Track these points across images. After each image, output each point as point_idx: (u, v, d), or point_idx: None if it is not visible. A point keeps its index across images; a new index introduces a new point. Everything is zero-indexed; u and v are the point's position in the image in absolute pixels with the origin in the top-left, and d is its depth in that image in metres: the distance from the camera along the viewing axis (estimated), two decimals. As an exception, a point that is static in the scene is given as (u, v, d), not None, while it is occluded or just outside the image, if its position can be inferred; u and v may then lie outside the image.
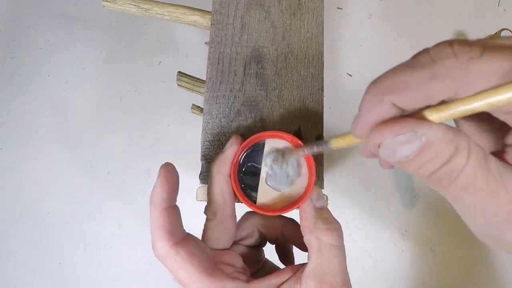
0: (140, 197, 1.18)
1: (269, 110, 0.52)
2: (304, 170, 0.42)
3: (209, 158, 0.51)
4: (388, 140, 0.22)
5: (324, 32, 0.56)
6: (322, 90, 0.53)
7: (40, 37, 1.35)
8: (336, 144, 0.34)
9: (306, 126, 0.51)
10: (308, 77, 0.53)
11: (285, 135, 0.43)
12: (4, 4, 1.39)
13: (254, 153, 0.43)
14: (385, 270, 1.11)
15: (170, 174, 0.36)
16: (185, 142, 1.22)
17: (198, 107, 1.12)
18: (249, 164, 0.42)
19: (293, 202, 0.41)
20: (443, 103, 0.22)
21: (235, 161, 0.41)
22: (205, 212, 0.41)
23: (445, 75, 0.20)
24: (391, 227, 1.14)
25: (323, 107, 0.52)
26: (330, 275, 0.37)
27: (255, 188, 0.42)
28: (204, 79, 0.90)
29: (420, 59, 0.22)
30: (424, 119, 0.22)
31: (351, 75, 1.28)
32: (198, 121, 1.19)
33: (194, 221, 1.12)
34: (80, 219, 1.17)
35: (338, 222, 0.40)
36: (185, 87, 0.89)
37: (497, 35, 1.07)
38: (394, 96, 0.22)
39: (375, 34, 1.32)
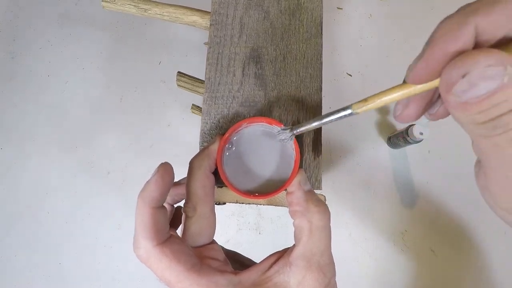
0: (140, 197, 1.18)
1: (268, 111, 0.52)
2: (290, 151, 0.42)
3: (208, 158, 0.51)
4: (477, 71, 0.19)
5: (324, 32, 0.56)
6: (321, 90, 0.53)
7: (40, 37, 1.35)
8: (361, 108, 0.31)
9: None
10: (307, 77, 0.53)
11: (265, 119, 0.43)
12: (4, 4, 1.39)
13: (238, 142, 0.43)
14: (385, 270, 1.11)
15: (167, 174, 0.34)
16: (185, 142, 1.22)
17: (198, 107, 1.12)
18: (234, 154, 0.43)
19: (280, 186, 0.40)
20: None
21: (220, 153, 0.41)
22: (184, 210, 0.39)
23: None
24: (391, 227, 1.14)
25: (321, 107, 0.52)
26: (318, 255, 0.35)
27: (241, 176, 0.42)
28: (203, 79, 0.90)
29: None
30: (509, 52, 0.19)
31: (351, 75, 1.28)
32: (198, 121, 1.19)
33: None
34: (80, 219, 1.17)
35: (325, 203, 0.39)
36: (185, 87, 0.89)
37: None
38: (481, 17, 0.20)
39: (375, 34, 1.32)
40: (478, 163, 0.24)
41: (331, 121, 0.35)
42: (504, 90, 0.18)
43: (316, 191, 0.50)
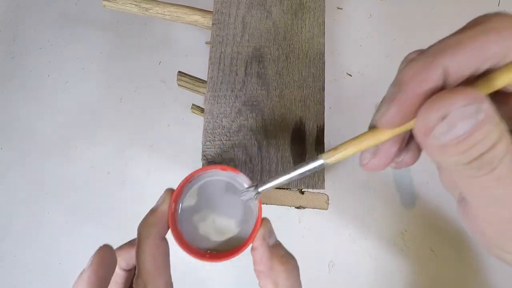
0: (140, 197, 1.17)
1: (270, 110, 0.52)
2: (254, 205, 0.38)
3: (210, 158, 0.51)
4: (456, 112, 0.18)
5: (324, 32, 0.56)
6: (323, 90, 0.53)
7: (40, 37, 1.35)
8: (333, 158, 0.30)
9: (308, 126, 0.51)
10: (310, 77, 0.53)
11: (219, 166, 0.37)
12: (4, 4, 1.39)
13: (191, 195, 0.38)
14: (385, 270, 1.11)
15: (101, 266, 0.31)
16: (185, 142, 1.22)
17: (198, 107, 1.12)
18: (189, 209, 0.37)
19: (242, 243, 0.36)
20: (483, 76, 0.20)
21: (172, 211, 0.36)
22: (134, 285, 0.33)
23: (502, 27, 0.19)
24: (391, 227, 1.14)
25: (324, 107, 0.53)
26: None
27: (199, 234, 0.37)
28: (204, 79, 0.90)
29: (467, 25, 0.21)
30: (479, 89, 0.20)
31: (351, 75, 1.28)
32: (198, 121, 1.19)
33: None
34: (80, 219, 1.17)
35: (293, 257, 0.37)
36: (185, 87, 0.89)
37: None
38: (449, 57, 0.20)
39: (375, 34, 1.32)
40: (462, 203, 0.24)
41: (301, 174, 0.32)
42: (481, 127, 0.18)
43: (319, 191, 0.50)
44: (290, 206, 0.49)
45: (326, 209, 0.48)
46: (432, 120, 0.19)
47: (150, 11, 0.68)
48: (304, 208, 0.50)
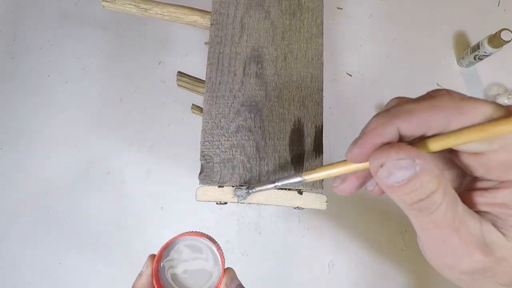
0: (140, 197, 1.18)
1: (269, 111, 0.52)
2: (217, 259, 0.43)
3: (209, 158, 0.51)
4: (390, 162, 0.24)
5: (324, 32, 0.56)
6: (322, 90, 0.53)
7: (40, 37, 1.35)
8: (310, 177, 0.36)
9: (306, 126, 0.51)
10: (308, 77, 0.53)
11: (192, 233, 0.43)
12: (4, 4, 1.39)
13: (170, 258, 0.44)
14: (385, 270, 1.11)
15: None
16: (185, 142, 1.22)
17: (198, 107, 1.12)
18: (168, 268, 0.44)
19: None
20: (434, 136, 0.25)
21: (155, 271, 0.43)
22: None
23: (442, 106, 0.24)
24: (391, 227, 1.14)
25: (322, 107, 0.52)
26: None
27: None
28: (204, 79, 0.90)
29: (424, 96, 0.26)
30: (420, 149, 0.25)
31: (351, 75, 1.28)
32: (198, 121, 1.19)
33: (190, 220, 1.12)
34: (80, 219, 1.17)
35: None
36: (185, 87, 0.89)
37: (497, 35, 1.07)
38: (400, 121, 0.25)
39: (375, 34, 1.32)
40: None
41: (284, 185, 0.41)
42: (418, 177, 0.23)
43: (318, 191, 0.50)
44: (290, 206, 0.49)
45: (325, 209, 0.48)
46: (375, 165, 0.24)
47: (149, 11, 0.68)
48: (302, 208, 0.50)
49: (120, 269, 1.13)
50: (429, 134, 0.25)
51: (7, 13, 1.38)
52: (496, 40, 1.08)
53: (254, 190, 0.45)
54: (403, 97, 0.28)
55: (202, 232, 0.44)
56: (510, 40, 1.06)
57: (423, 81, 1.26)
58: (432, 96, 0.25)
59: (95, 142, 1.23)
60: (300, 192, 0.49)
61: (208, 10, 0.64)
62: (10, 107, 1.27)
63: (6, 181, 1.20)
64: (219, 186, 0.50)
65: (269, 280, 1.10)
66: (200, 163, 0.51)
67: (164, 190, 1.19)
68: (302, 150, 0.50)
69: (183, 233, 0.44)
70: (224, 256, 0.42)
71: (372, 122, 0.26)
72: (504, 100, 1.16)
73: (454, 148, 0.26)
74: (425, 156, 0.23)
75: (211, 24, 0.57)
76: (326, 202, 0.50)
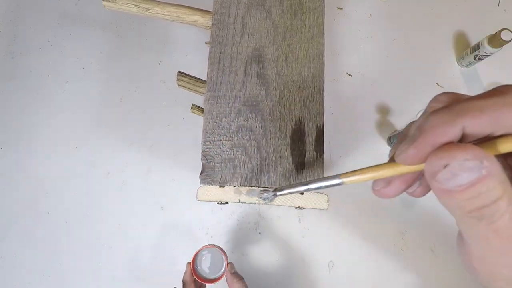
0: (140, 197, 1.18)
1: (270, 110, 0.52)
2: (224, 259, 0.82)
3: (210, 158, 0.51)
4: (456, 163, 0.22)
5: (324, 32, 0.56)
6: (323, 90, 0.53)
7: (40, 37, 1.35)
8: (350, 179, 0.33)
9: (307, 126, 0.51)
10: (309, 77, 0.53)
11: (209, 246, 0.84)
12: (4, 4, 1.39)
13: (199, 260, 0.83)
14: (385, 270, 1.11)
15: None
16: (185, 142, 1.22)
17: (198, 107, 1.12)
18: (198, 264, 0.83)
19: (220, 275, 0.82)
20: (500, 137, 0.23)
21: (192, 268, 0.81)
22: None
23: None
24: (391, 227, 1.14)
25: (324, 107, 0.52)
26: None
27: (203, 274, 0.82)
28: (204, 79, 0.90)
29: (490, 92, 0.24)
30: (487, 150, 0.23)
31: (351, 75, 1.28)
32: (198, 121, 1.19)
33: (190, 220, 1.12)
34: (80, 219, 1.17)
35: (242, 278, 0.80)
36: (185, 87, 0.89)
37: (497, 35, 1.07)
38: (469, 119, 0.23)
39: (375, 34, 1.32)
40: (460, 238, 0.27)
41: (318, 187, 0.37)
42: (484, 181, 0.21)
43: (324, 191, 0.50)
44: (290, 206, 0.49)
45: (326, 209, 0.48)
46: (436, 166, 0.22)
47: (150, 11, 0.68)
48: (303, 208, 0.50)
49: (120, 269, 1.13)
50: (496, 134, 0.23)
51: (7, 13, 1.38)
52: (496, 40, 1.08)
53: (282, 193, 0.42)
54: (454, 93, 0.26)
55: (214, 244, 0.83)
56: (510, 40, 1.06)
57: (423, 81, 1.26)
58: (502, 92, 0.23)
59: (95, 142, 1.23)
60: (301, 192, 0.49)
61: (209, 10, 0.64)
62: (10, 107, 1.27)
63: (6, 181, 1.20)
64: (220, 186, 0.50)
65: (269, 280, 1.10)
66: (201, 163, 0.51)
67: (164, 190, 1.19)
68: (303, 149, 0.50)
69: (203, 246, 0.83)
70: (227, 256, 0.82)
71: (432, 119, 0.24)
72: (504, 100, 1.16)
73: None
74: (493, 159, 0.21)
75: (212, 24, 0.57)
76: (327, 201, 0.50)
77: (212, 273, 0.82)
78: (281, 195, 0.43)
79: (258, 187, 0.50)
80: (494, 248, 0.23)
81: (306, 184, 0.38)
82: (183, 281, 0.81)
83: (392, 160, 0.29)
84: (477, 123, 0.22)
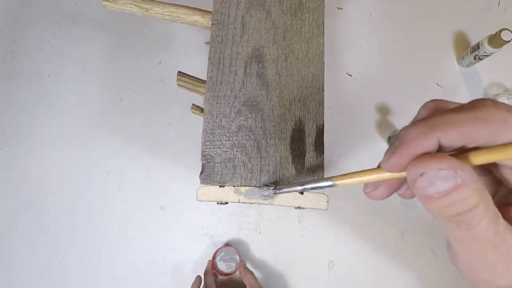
0: (140, 197, 1.18)
1: (270, 110, 0.52)
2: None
3: (210, 158, 0.51)
4: (431, 172, 0.23)
5: (324, 32, 0.56)
6: (323, 90, 0.53)
7: (40, 37, 1.35)
8: (342, 182, 0.36)
9: (307, 125, 0.51)
10: (309, 77, 0.53)
11: (229, 246, 1.10)
12: (4, 4, 1.39)
13: (217, 259, 1.07)
14: (385, 270, 1.11)
15: None
16: (185, 142, 1.22)
17: (198, 107, 1.12)
18: (217, 262, 1.07)
19: (235, 270, 1.05)
20: (475, 149, 0.25)
21: (212, 265, 1.05)
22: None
23: (488, 118, 0.24)
24: (391, 227, 1.14)
25: (324, 107, 0.52)
26: None
27: (221, 269, 1.05)
28: (204, 79, 0.90)
29: (465, 106, 0.25)
30: (461, 161, 0.24)
31: (351, 75, 1.28)
32: (198, 121, 1.19)
33: (190, 220, 1.12)
34: (80, 219, 1.17)
35: (252, 273, 0.99)
36: (185, 87, 0.89)
37: (497, 35, 1.07)
38: (442, 133, 0.24)
39: (375, 34, 1.32)
40: (448, 241, 0.29)
41: (312, 188, 0.41)
42: (459, 190, 0.22)
43: (319, 191, 0.50)
44: (290, 206, 0.49)
45: (326, 209, 0.48)
46: (414, 174, 0.24)
47: (150, 11, 0.68)
48: (303, 208, 0.50)
49: (120, 269, 1.13)
50: (470, 146, 0.25)
51: (7, 13, 1.38)
52: (496, 40, 1.08)
53: (281, 191, 0.45)
54: (441, 101, 0.28)
55: (229, 245, 1.10)
56: (510, 40, 1.06)
57: (423, 81, 1.26)
58: (476, 106, 0.25)
59: (95, 142, 1.23)
60: (301, 192, 0.49)
61: (209, 10, 0.64)
62: (10, 107, 1.27)
63: (6, 181, 1.20)
64: (220, 186, 0.50)
65: (269, 280, 1.10)
66: (200, 163, 0.51)
67: (164, 190, 1.19)
68: (303, 149, 0.50)
69: (221, 246, 1.09)
70: (240, 254, 1.08)
71: (411, 131, 0.26)
72: (504, 100, 1.16)
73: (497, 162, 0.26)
74: (467, 168, 0.23)
75: (212, 24, 0.57)
76: (327, 202, 0.50)
77: (228, 268, 1.07)
78: (280, 193, 0.45)
79: (258, 187, 0.50)
80: (474, 253, 0.24)
81: (303, 184, 0.42)
82: (204, 272, 1.00)
83: (378, 166, 0.30)
84: (449, 137, 0.24)
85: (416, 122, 0.26)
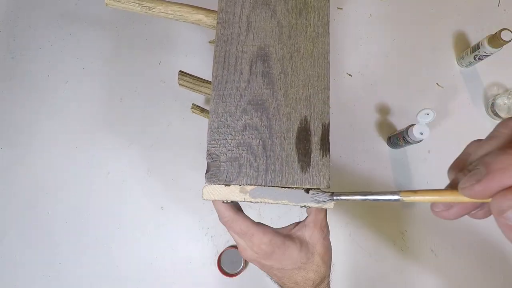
0: (140, 197, 1.17)
1: (275, 109, 0.52)
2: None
3: (215, 156, 0.51)
4: None
5: (329, 32, 0.56)
6: (328, 89, 0.53)
7: (40, 37, 1.35)
8: (410, 198, 0.35)
9: (313, 125, 0.51)
10: (314, 76, 0.53)
11: (230, 247, 1.11)
12: (4, 4, 1.39)
13: (222, 258, 1.09)
14: (385, 270, 1.11)
15: None
16: (185, 142, 1.22)
17: (198, 106, 1.12)
18: (222, 261, 1.08)
19: (238, 271, 1.07)
20: None
21: (218, 264, 1.07)
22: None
23: None
24: (391, 227, 1.14)
25: (329, 106, 0.52)
26: (319, 220, 0.55)
27: (226, 268, 1.07)
28: (205, 78, 0.90)
29: None
30: None
31: (351, 75, 1.28)
32: (198, 121, 1.19)
33: (190, 220, 1.11)
34: (80, 219, 1.16)
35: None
36: (186, 86, 0.89)
37: (497, 35, 1.08)
38: None
39: (375, 34, 1.33)
40: None
41: (375, 199, 0.39)
42: None
43: (325, 190, 0.50)
44: (296, 205, 0.49)
45: (332, 208, 0.48)
46: (503, 206, 0.24)
47: (153, 10, 0.68)
48: (309, 207, 0.50)
49: (120, 269, 1.13)
50: None
51: (7, 13, 1.38)
52: (496, 40, 1.08)
53: (339, 198, 0.45)
54: None
55: (234, 245, 1.09)
56: (510, 40, 1.06)
57: (423, 81, 1.26)
58: None
59: (95, 142, 1.23)
60: (307, 191, 0.49)
61: (213, 9, 0.64)
62: (10, 107, 1.26)
63: (6, 181, 1.20)
64: (226, 185, 0.50)
65: (269, 279, 1.10)
66: (205, 162, 0.51)
67: (164, 190, 1.19)
68: (309, 148, 0.50)
69: (227, 247, 1.10)
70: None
71: (501, 160, 0.25)
72: (504, 100, 1.17)
73: None
74: None
75: (217, 23, 0.57)
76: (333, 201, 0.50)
77: (233, 269, 1.07)
78: (337, 200, 0.46)
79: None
80: None
81: (365, 194, 0.40)
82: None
83: (454, 187, 0.30)
84: None
85: (505, 151, 0.25)
